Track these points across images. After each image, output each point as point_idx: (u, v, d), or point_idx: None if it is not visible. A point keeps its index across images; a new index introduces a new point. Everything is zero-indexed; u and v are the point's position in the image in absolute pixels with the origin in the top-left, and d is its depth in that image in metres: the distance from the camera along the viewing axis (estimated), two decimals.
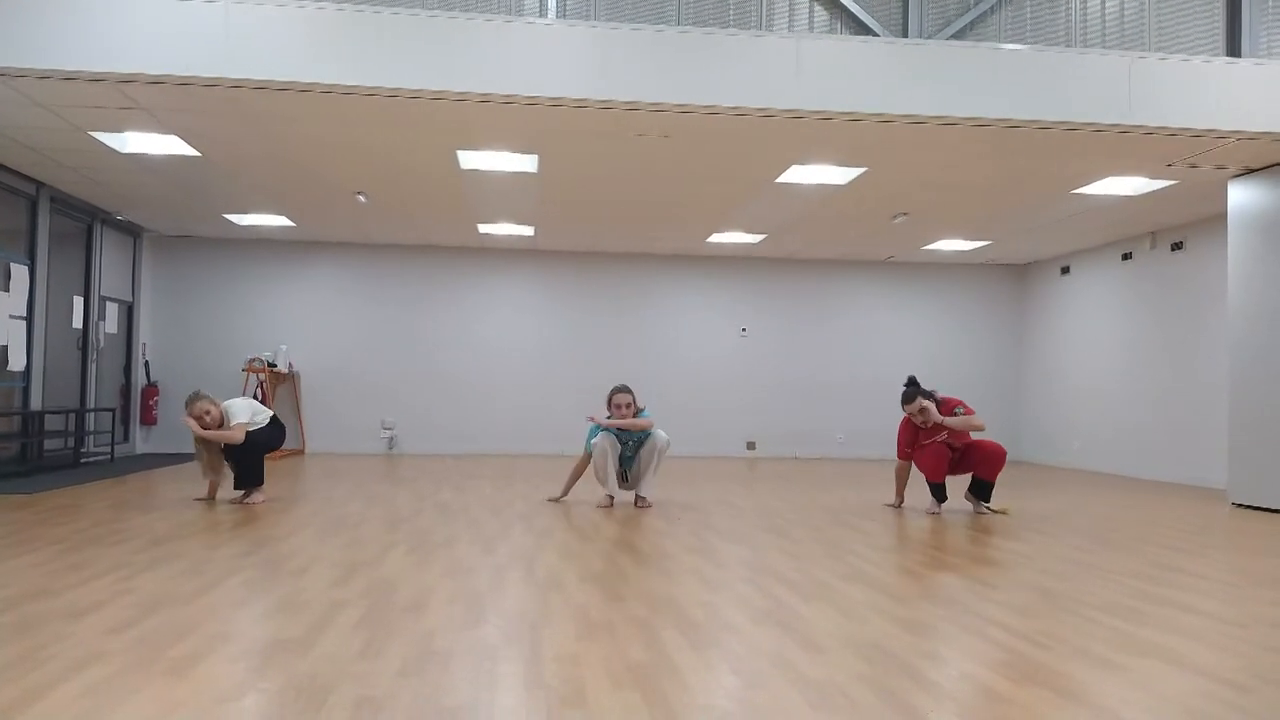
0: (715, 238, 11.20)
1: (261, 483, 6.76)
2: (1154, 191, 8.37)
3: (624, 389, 6.88)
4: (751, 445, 12.70)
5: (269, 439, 6.81)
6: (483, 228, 10.82)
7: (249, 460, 6.70)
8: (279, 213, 10.16)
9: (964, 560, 4.83)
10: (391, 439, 12.11)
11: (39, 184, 8.91)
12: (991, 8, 7.61)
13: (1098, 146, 7.01)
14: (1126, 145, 6.96)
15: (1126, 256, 10.98)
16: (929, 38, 7.47)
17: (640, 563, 4.58)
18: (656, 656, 2.93)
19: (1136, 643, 3.21)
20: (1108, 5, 7.68)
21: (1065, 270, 12.22)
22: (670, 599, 3.76)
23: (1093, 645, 3.16)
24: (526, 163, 7.73)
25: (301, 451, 11.93)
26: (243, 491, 6.73)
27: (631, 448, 6.87)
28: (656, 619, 3.42)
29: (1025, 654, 3.03)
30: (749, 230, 10.74)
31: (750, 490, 8.29)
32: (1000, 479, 9.95)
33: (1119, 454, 10.99)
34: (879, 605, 3.71)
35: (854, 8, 7.47)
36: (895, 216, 9.72)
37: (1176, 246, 10.15)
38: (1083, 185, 8.26)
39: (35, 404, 8.94)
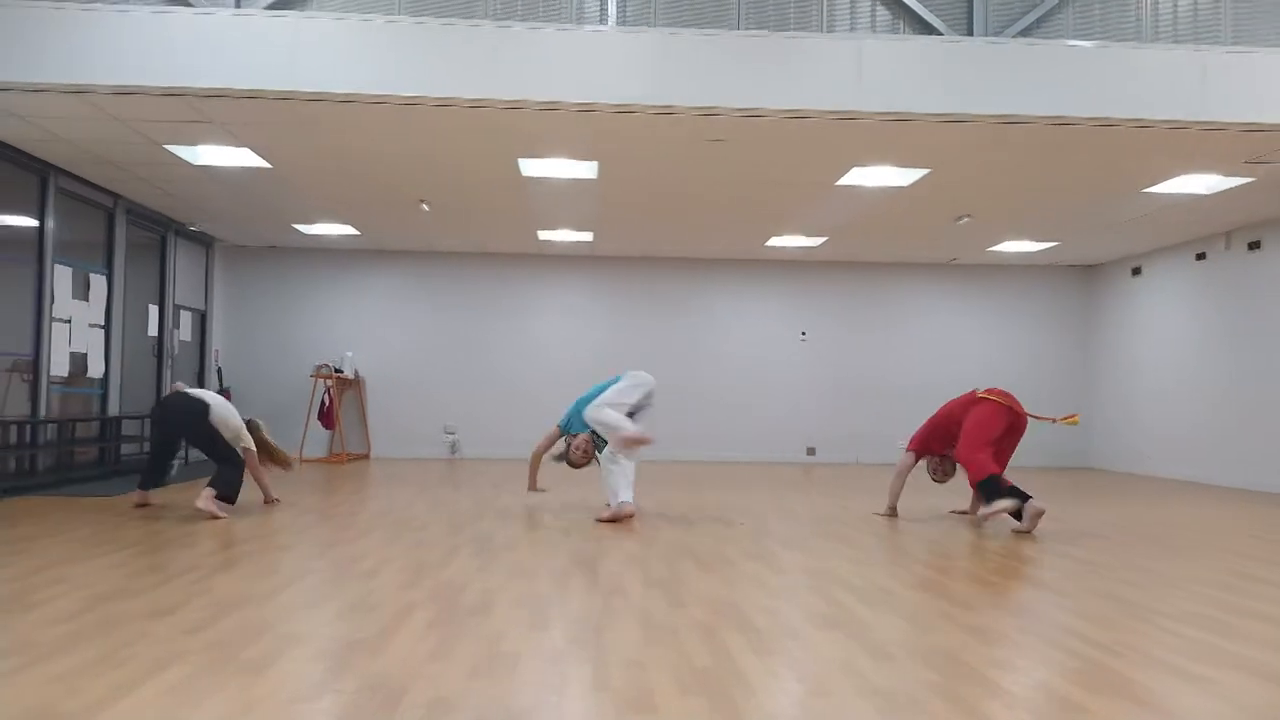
0: (774, 241, 11.15)
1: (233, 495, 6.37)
2: (1229, 189, 8.12)
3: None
4: (811, 451, 12.60)
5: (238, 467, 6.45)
6: (542, 234, 10.91)
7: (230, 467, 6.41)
8: (344, 221, 10.36)
9: (1033, 568, 4.73)
10: (453, 443, 12.26)
11: (116, 197, 9.22)
12: (1059, 4, 7.46)
13: (1169, 144, 6.83)
14: (1200, 142, 6.77)
15: (1200, 256, 10.66)
16: (995, 36, 7.35)
17: (701, 568, 4.57)
18: (721, 662, 2.92)
19: (1217, 654, 3.11)
20: (1181, 0, 7.48)
21: (1136, 271, 11.91)
22: (732, 604, 3.75)
23: (1171, 656, 3.07)
24: (586, 169, 7.78)
25: (366, 456, 12.14)
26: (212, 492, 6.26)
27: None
28: (720, 624, 3.41)
29: (1101, 663, 2.96)
30: (808, 233, 10.66)
31: (810, 496, 8.22)
32: (1070, 486, 9.73)
33: (1193, 460, 10.66)
34: (947, 612, 3.65)
35: (917, 7, 7.38)
36: (959, 218, 9.57)
37: (1253, 246, 9.83)
38: (1154, 184, 8.05)
39: (113, 410, 9.24)
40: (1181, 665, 2.97)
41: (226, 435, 6.41)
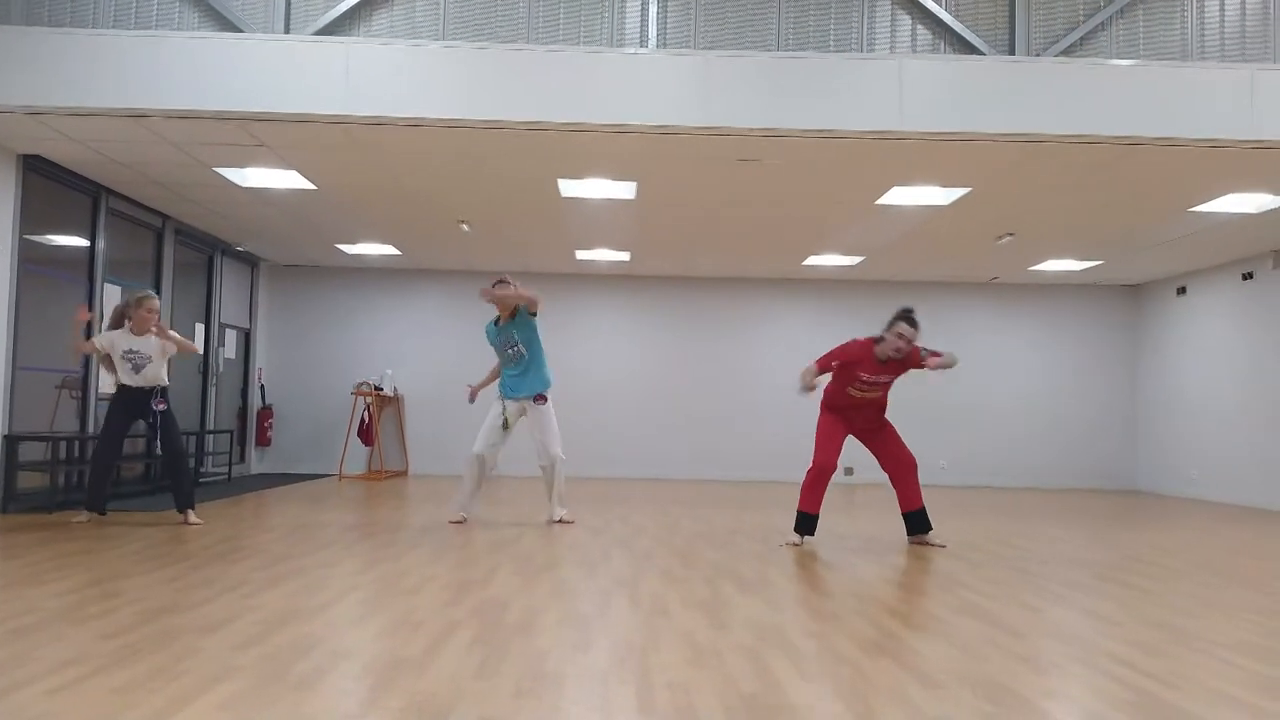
0: (812, 260, 11.13)
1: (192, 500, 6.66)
2: (1278, 209, 7.98)
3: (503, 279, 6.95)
4: (850, 471, 12.49)
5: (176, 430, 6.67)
6: (580, 254, 10.98)
7: (179, 458, 6.66)
8: (386, 241, 10.50)
9: (1083, 594, 4.66)
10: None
11: (165, 217, 9.41)
12: (1102, 24, 7.41)
13: (1217, 163, 6.74)
14: (1249, 160, 6.67)
15: (1247, 276, 10.48)
16: (1037, 55, 7.31)
17: (743, 589, 4.55)
18: (768, 687, 2.90)
19: (1275, 685, 3.04)
20: (1228, 16, 7.40)
21: (1181, 291, 11.73)
22: (777, 627, 3.73)
23: (1228, 687, 3.01)
24: (625, 189, 7.83)
25: (404, 473, 12.23)
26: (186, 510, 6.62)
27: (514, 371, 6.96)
28: (764, 648, 3.39)
29: (1155, 694, 2.90)
30: (847, 252, 10.63)
31: (851, 518, 8.16)
32: (1118, 511, 9.56)
33: (1243, 484, 10.45)
34: (996, 640, 3.60)
35: (958, 26, 7.37)
36: (1001, 237, 9.49)
37: None
38: (1201, 203, 7.94)
39: None
40: (1238, 696, 2.91)
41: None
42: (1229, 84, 6.31)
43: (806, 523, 6.19)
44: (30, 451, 7.44)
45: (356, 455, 12.03)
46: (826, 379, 6.08)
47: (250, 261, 11.74)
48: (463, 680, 2.87)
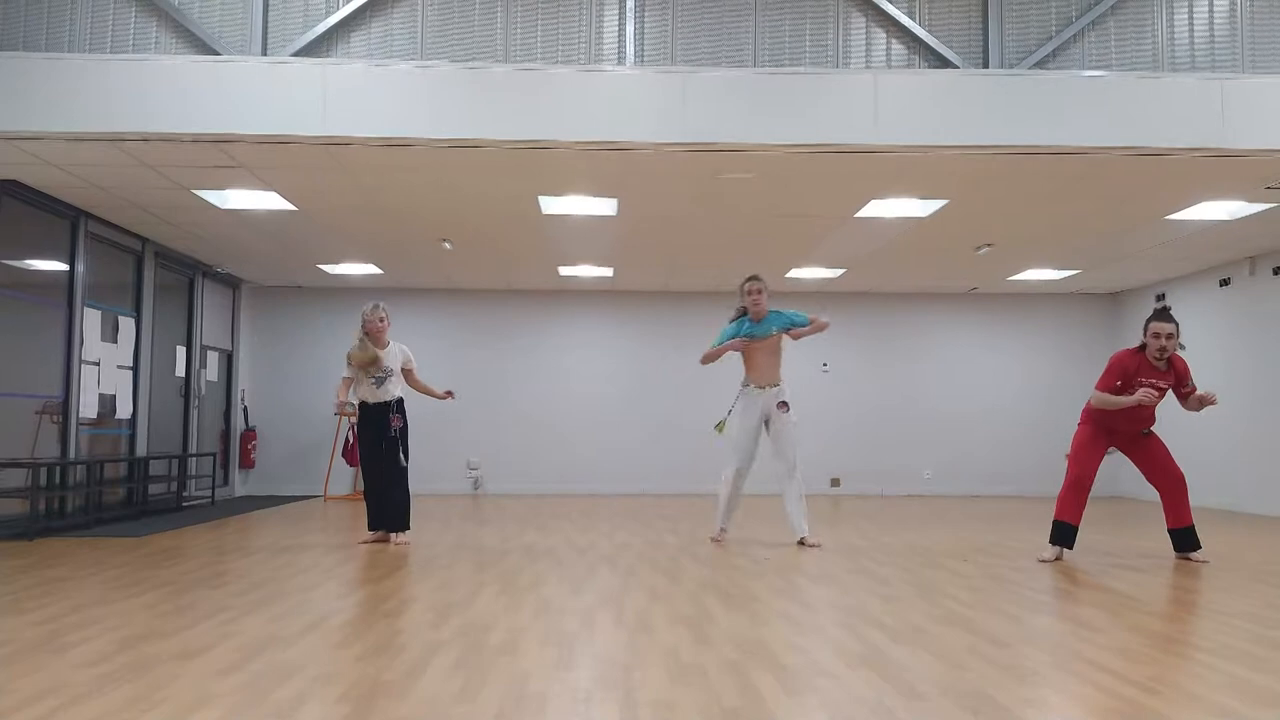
0: (794, 273, 11.17)
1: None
2: (1253, 215, 8.08)
3: (754, 276, 6.77)
4: (835, 482, 12.53)
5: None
6: (563, 270, 10.99)
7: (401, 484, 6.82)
8: (368, 261, 10.49)
9: (1063, 602, 4.68)
10: (477, 479, 12.29)
11: (145, 240, 9.37)
12: (1074, 35, 7.50)
13: (1190, 171, 6.82)
14: (1221, 168, 6.75)
15: (1224, 283, 10.59)
16: (1011, 68, 7.39)
17: (727, 605, 4.54)
18: (751, 703, 2.90)
19: (1258, 690, 3.06)
20: (1197, 27, 7.50)
21: (1160, 298, 11.82)
22: (760, 642, 3.73)
23: (1210, 692, 3.02)
24: (606, 206, 7.85)
25: None
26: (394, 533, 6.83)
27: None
28: (748, 663, 3.39)
29: (1137, 701, 2.92)
30: (828, 265, 10.68)
31: (836, 529, 8.17)
32: (1100, 517, 9.60)
33: (1223, 488, 10.51)
34: (978, 650, 3.61)
35: (932, 41, 7.44)
36: (979, 248, 9.56)
37: (1278, 271, 9.75)
38: (1176, 211, 8.02)
39: (141, 450, 9.33)
40: (1222, 702, 2.92)
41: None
42: (1200, 94, 6.39)
43: (1065, 533, 6.01)
44: (10, 478, 7.37)
45: (341, 476, 11.96)
46: (1143, 396, 5.82)
47: (231, 283, 11.70)
48: (443, 704, 2.85)
